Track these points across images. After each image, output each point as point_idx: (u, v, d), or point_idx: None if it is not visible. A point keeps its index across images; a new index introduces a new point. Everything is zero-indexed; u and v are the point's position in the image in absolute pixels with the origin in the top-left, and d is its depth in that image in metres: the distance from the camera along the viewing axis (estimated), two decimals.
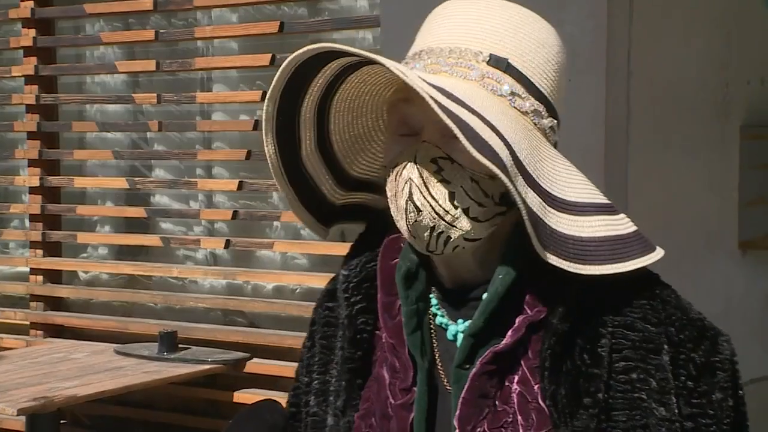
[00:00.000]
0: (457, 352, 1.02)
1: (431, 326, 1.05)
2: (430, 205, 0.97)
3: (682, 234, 2.10)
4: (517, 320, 1.00)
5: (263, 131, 1.07)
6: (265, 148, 1.07)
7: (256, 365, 3.20)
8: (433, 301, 1.06)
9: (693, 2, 2.22)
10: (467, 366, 1.00)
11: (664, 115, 2.12)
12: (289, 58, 1.02)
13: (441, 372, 1.04)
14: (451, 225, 0.98)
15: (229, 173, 3.44)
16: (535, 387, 0.98)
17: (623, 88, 2.00)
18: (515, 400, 0.98)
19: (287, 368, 3.17)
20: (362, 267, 1.12)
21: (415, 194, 0.97)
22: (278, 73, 1.03)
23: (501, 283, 1.00)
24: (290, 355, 3.19)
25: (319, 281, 3.22)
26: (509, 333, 0.99)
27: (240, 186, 3.31)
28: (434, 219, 0.98)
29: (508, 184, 0.91)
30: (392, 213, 1.02)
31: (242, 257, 3.43)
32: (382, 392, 1.06)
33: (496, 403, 0.99)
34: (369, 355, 1.09)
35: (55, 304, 3.71)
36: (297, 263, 3.35)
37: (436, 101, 0.91)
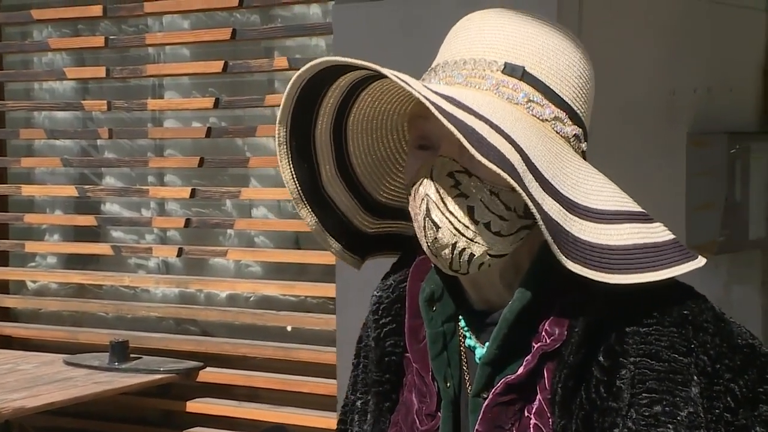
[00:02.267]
0: (475, 380, 0.98)
1: (462, 349, 1.02)
2: (449, 221, 0.93)
3: None
4: (533, 347, 0.95)
5: (278, 156, 1.03)
6: (282, 175, 1.03)
7: (210, 374, 3.18)
8: (462, 323, 1.02)
9: (641, 11, 2.26)
10: (484, 395, 0.96)
11: (613, 122, 2.16)
12: (294, 77, 0.98)
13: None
14: (473, 241, 0.94)
15: (182, 181, 3.41)
16: (551, 420, 0.93)
17: None
18: None
19: (241, 377, 3.15)
20: (395, 288, 1.07)
21: (432, 211, 0.94)
22: (285, 95, 0.99)
23: (510, 310, 0.95)
24: (244, 364, 3.18)
25: (273, 289, 3.21)
26: (524, 362, 0.95)
27: (192, 193, 3.28)
28: (454, 235, 0.93)
29: (517, 187, 0.87)
30: (416, 233, 0.97)
31: (195, 265, 3.40)
32: (410, 417, 1.03)
33: None
34: (399, 378, 1.06)
35: (3, 314, 3.64)
36: (251, 271, 3.33)
37: (438, 107, 0.88)
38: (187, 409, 3.19)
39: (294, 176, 1.04)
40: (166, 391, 3.23)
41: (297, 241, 3.24)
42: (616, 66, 2.17)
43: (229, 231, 3.33)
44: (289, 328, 3.18)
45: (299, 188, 1.05)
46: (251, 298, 3.30)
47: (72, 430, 3.37)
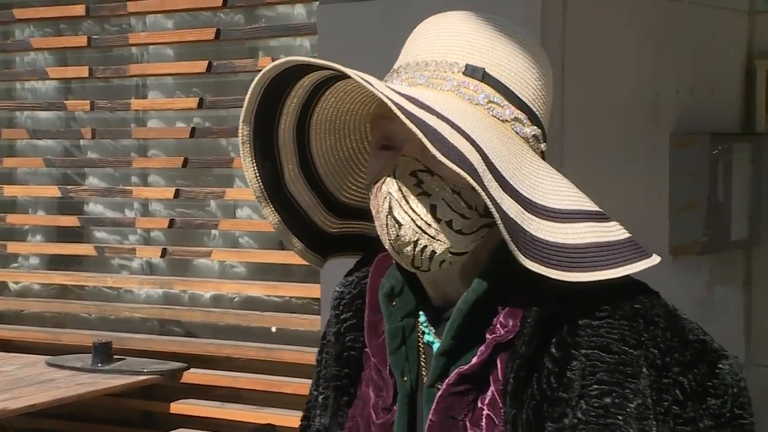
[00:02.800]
0: (430, 371, 1.00)
1: (420, 344, 1.03)
2: (411, 219, 0.95)
3: None
4: (487, 338, 0.96)
5: (241, 155, 1.04)
6: (245, 173, 1.04)
7: (193, 375, 3.17)
8: (422, 318, 1.03)
9: (625, 12, 2.27)
10: (438, 386, 0.98)
11: (598, 123, 2.16)
12: (258, 76, 0.99)
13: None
14: (434, 238, 0.95)
15: (165, 181, 3.40)
16: (503, 411, 0.94)
17: (557, 96, 2.03)
18: (484, 423, 0.95)
19: (225, 378, 3.14)
20: (357, 284, 1.09)
21: (395, 209, 0.95)
22: (249, 93, 1.00)
23: (464, 300, 0.97)
24: (228, 365, 3.17)
25: (258, 290, 3.20)
26: (477, 353, 0.96)
27: (176, 194, 3.27)
28: (416, 233, 0.95)
29: (477, 187, 0.89)
30: (378, 231, 0.99)
31: (179, 266, 3.39)
32: (366, 411, 1.04)
33: (467, 424, 0.96)
34: (358, 373, 1.07)
35: None
36: (235, 272, 3.33)
37: (400, 107, 0.89)
38: (171, 411, 3.17)
39: (257, 175, 1.05)
40: (149, 393, 3.21)
41: (281, 242, 3.23)
42: (600, 67, 2.17)
43: (213, 231, 3.32)
44: (273, 329, 3.17)
45: (262, 187, 1.06)
46: (235, 299, 3.30)
47: (55, 431, 3.35)
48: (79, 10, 3.36)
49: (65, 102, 3.50)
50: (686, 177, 2.41)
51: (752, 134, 2.66)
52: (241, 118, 1.02)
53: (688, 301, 2.53)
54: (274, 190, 1.07)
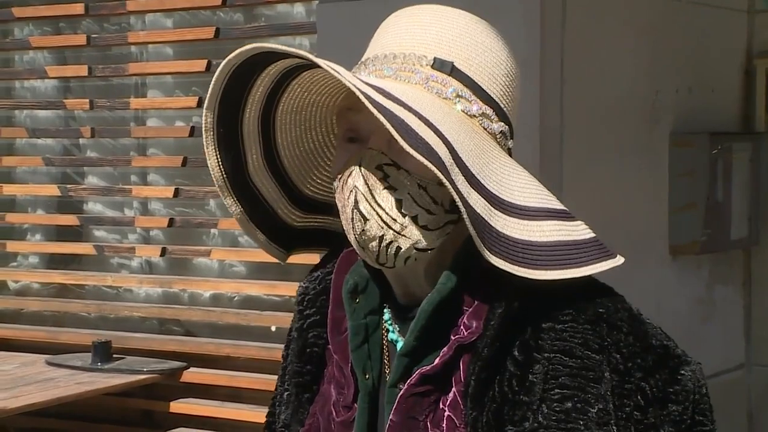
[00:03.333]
0: (392, 371, 0.99)
1: (384, 342, 1.02)
2: (377, 213, 0.94)
3: (614, 239, 2.13)
4: (450, 339, 0.95)
5: (204, 143, 1.02)
6: (208, 161, 1.03)
7: (193, 374, 3.17)
8: (386, 316, 1.02)
9: (624, 12, 2.27)
10: (400, 386, 0.97)
11: (597, 122, 2.16)
12: (223, 63, 0.97)
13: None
14: (400, 234, 0.94)
15: (165, 180, 3.39)
16: (464, 413, 0.93)
17: (557, 95, 2.03)
18: (445, 424, 0.94)
19: (224, 377, 3.14)
20: (322, 280, 1.08)
21: (361, 202, 0.94)
22: (213, 80, 0.99)
23: (429, 301, 0.95)
24: (227, 364, 3.17)
25: (257, 289, 3.20)
26: (440, 354, 0.95)
27: (176, 193, 3.27)
28: (381, 228, 0.94)
29: (444, 180, 0.88)
30: (343, 225, 0.97)
31: (178, 265, 3.39)
32: (327, 408, 1.03)
33: (428, 425, 0.95)
34: (321, 369, 1.06)
35: None
36: (234, 271, 3.32)
37: (368, 97, 0.88)
38: (171, 410, 3.17)
39: (220, 164, 1.03)
40: (149, 392, 3.21)
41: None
42: (599, 67, 2.17)
43: (212, 230, 3.32)
44: (273, 328, 3.17)
45: (225, 176, 1.04)
46: (235, 298, 3.29)
47: (54, 430, 3.35)
48: (78, 8, 3.36)
49: (64, 101, 3.49)
50: (685, 177, 2.41)
51: (752, 134, 2.66)
52: (205, 105, 1.01)
53: (686, 301, 2.53)
54: (237, 180, 1.05)
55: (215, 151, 1.03)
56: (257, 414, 3.05)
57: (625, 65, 2.27)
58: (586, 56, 2.13)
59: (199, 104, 3.21)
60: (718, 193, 2.48)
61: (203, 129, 1.02)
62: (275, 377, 3.09)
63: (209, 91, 1.00)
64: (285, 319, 3.19)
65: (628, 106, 2.29)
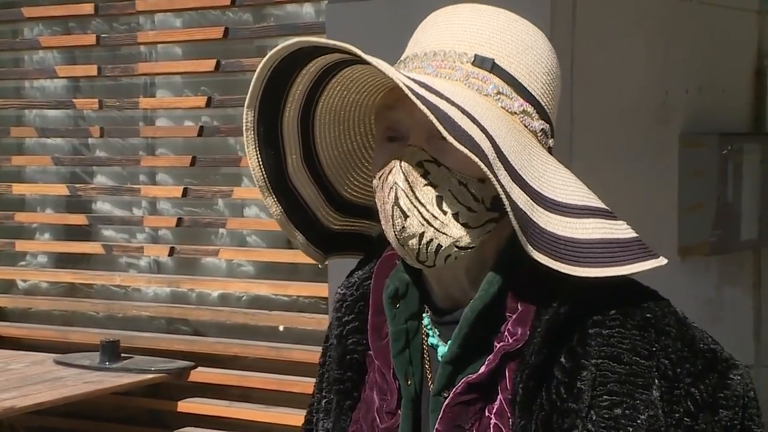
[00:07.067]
0: (436, 379, 0.97)
1: (424, 347, 1.01)
2: (418, 210, 0.92)
3: None
4: (495, 346, 0.94)
5: (244, 142, 1.01)
6: (249, 161, 1.01)
7: (201, 374, 3.17)
8: (426, 320, 1.01)
9: (634, 12, 2.26)
10: (445, 394, 0.95)
11: (607, 122, 2.16)
12: (264, 60, 0.95)
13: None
14: (440, 231, 0.93)
15: (173, 180, 3.40)
16: (511, 420, 0.92)
17: (567, 95, 2.02)
18: None
19: (232, 377, 3.14)
20: (359, 285, 1.06)
21: (401, 199, 0.93)
22: (255, 77, 0.97)
23: (471, 309, 0.94)
24: (235, 364, 3.17)
25: (266, 289, 3.20)
26: (486, 362, 0.94)
27: (185, 192, 3.28)
28: (422, 225, 0.92)
29: (488, 173, 0.86)
30: (382, 225, 0.96)
31: (187, 265, 3.39)
32: (370, 414, 1.02)
33: None
34: (361, 376, 1.05)
35: None
36: (243, 270, 3.33)
37: (412, 91, 0.87)
38: (178, 409, 3.18)
39: (260, 163, 1.02)
40: (157, 391, 3.22)
41: (289, 241, 3.23)
42: (609, 67, 2.17)
43: (221, 230, 3.32)
44: (281, 328, 3.17)
45: (265, 175, 1.03)
46: (243, 298, 3.30)
47: (63, 429, 3.36)
48: (87, 8, 3.36)
49: (74, 100, 3.50)
50: (695, 177, 2.40)
51: (762, 134, 2.66)
52: (246, 103, 0.99)
53: (696, 302, 2.52)
54: (277, 180, 1.04)
55: (256, 151, 1.01)
56: (265, 414, 3.05)
57: (635, 66, 2.26)
58: (596, 56, 2.12)
59: (208, 104, 3.21)
60: (728, 194, 2.47)
61: (243, 128, 1.01)
62: (283, 377, 3.09)
63: (250, 89, 0.98)
64: (293, 319, 3.21)
65: (638, 106, 2.28)
